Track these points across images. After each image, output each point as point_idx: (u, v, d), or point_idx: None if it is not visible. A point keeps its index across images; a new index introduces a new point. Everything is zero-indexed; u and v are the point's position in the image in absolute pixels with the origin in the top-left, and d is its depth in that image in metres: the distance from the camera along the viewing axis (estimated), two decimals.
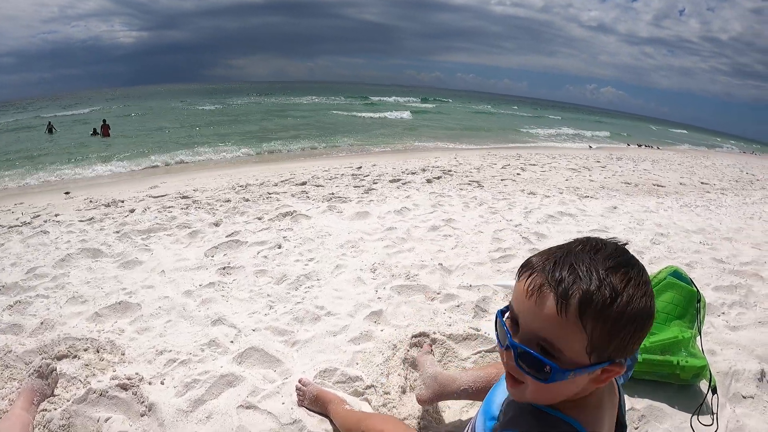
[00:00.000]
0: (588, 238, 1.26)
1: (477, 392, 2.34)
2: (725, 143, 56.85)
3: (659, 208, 7.88)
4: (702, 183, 12.18)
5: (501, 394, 1.48)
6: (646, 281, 1.19)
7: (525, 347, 1.17)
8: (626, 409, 2.63)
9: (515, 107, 77.68)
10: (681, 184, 11.53)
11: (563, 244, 1.25)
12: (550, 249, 1.25)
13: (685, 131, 75.24)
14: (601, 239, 1.26)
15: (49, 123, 27.02)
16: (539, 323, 1.15)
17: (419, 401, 2.51)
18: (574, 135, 34.42)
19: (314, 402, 2.54)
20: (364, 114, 37.87)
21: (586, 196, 8.38)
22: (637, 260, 1.24)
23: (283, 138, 21.36)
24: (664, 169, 14.34)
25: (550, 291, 1.13)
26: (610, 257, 1.18)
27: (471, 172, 10.51)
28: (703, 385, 2.83)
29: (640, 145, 30.88)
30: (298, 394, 2.61)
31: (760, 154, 40.84)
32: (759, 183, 13.91)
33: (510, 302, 1.25)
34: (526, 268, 1.22)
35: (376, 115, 37.08)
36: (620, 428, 1.48)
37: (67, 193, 9.62)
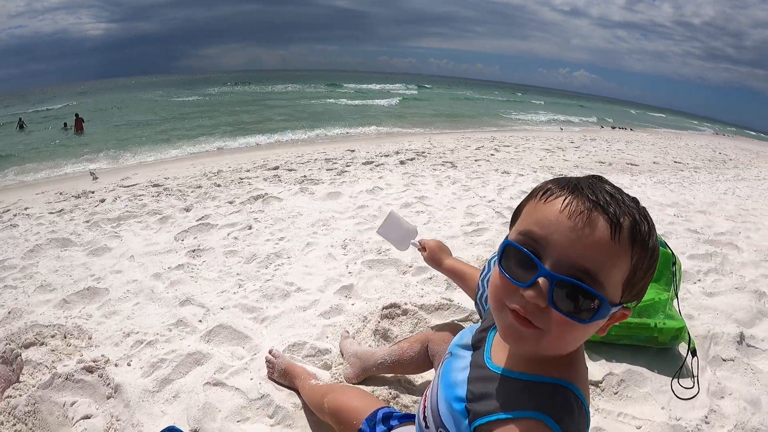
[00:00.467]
0: (591, 174, 1.19)
1: (392, 365, 2.48)
2: (701, 126, 57.36)
3: (633, 184, 7.97)
4: (675, 162, 12.36)
5: (457, 371, 1.34)
6: None
7: (569, 278, 1.01)
8: (605, 374, 2.65)
9: (496, 92, 77.01)
10: (655, 163, 11.69)
11: (573, 177, 1.15)
12: (564, 178, 1.14)
13: (662, 114, 75.80)
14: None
15: (20, 119, 26.60)
16: (582, 249, 1.01)
17: (346, 380, 2.58)
18: (565, 121, 34.36)
19: (283, 375, 2.53)
20: (343, 101, 37.60)
21: (560, 175, 8.43)
22: None
23: (256, 127, 21.21)
24: (637, 150, 14.53)
25: (599, 214, 1.02)
26: (623, 192, 1.12)
27: (445, 154, 10.56)
28: (683, 348, 2.83)
29: (614, 127, 31.08)
30: (267, 366, 2.59)
31: (732, 135, 41.31)
32: (732, 162, 14.17)
33: (525, 230, 1.09)
34: (549, 191, 1.10)
35: (356, 102, 36.63)
36: None
37: (94, 177, 9.60)
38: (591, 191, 1.06)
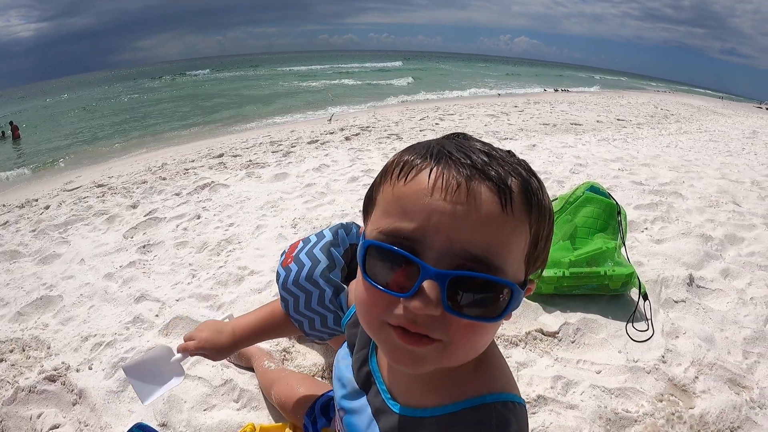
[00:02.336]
0: (452, 132, 0.99)
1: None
2: (641, 84, 58.01)
3: (577, 143, 8.13)
4: (618, 120, 12.61)
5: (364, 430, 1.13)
6: None
7: (464, 272, 0.80)
8: (558, 323, 2.75)
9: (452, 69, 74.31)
10: (598, 121, 11.90)
11: (431, 140, 0.94)
12: (422, 143, 0.92)
13: (596, 76, 76.29)
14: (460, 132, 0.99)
15: None
16: (470, 233, 0.80)
17: None
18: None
19: (239, 357, 2.57)
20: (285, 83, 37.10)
21: (505, 138, 8.56)
22: None
23: (197, 118, 20.96)
24: (581, 110, 14.78)
25: (480, 182, 0.81)
26: (496, 147, 0.92)
27: (389, 127, 10.61)
28: (635, 294, 2.94)
29: (556, 90, 31.31)
30: None
31: (673, 92, 41.99)
32: (674, 117, 14.48)
33: (389, 226, 0.85)
34: (408, 166, 0.87)
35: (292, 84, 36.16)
36: None
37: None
38: (462, 154, 0.85)
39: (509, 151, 0.92)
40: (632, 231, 3.99)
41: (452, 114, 12.75)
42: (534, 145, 7.67)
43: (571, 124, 11.16)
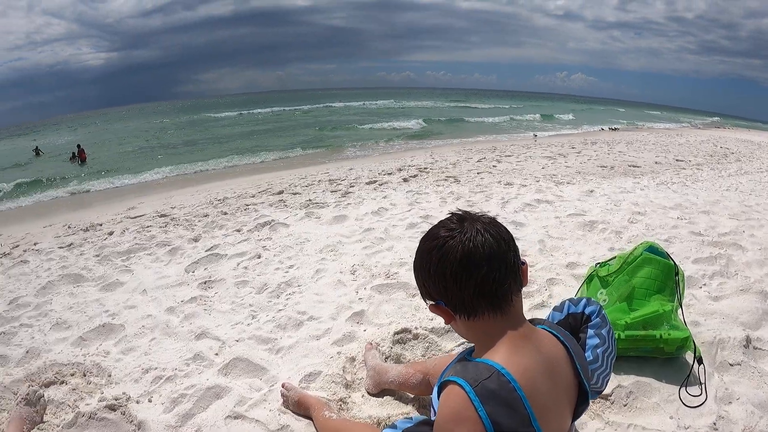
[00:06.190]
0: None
1: (401, 384, 2.60)
2: (698, 119, 57.05)
3: (636, 188, 7.96)
4: (677, 160, 12.31)
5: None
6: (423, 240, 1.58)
7: None
8: (611, 386, 2.68)
9: (516, 106, 73.34)
10: (656, 163, 11.66)
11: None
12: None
13: (658, 112, 75.15)
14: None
15: (36, 147, 28.57)
16: None
17: (366, 391, 2.74)
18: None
19: (297, 406, 2.58)
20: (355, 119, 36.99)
21: (562, 182, 8.44)
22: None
23: (257, 148, 21.33)
24: (638, 150, 14.47)
25: None
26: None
27: (447, 168, 10.58)
28: (689, 356, 2.86)
29: (612, 128, 30.96)
30: (283, 399, 2.65)
31: (732, 128, 41.17)
32: (734, 156, 14.08)
33: None
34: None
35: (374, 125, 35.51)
36: (583, 395, 1.63)
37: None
38: None
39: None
40: (690, 287, 3.88)
41: (509, 155, 12.66)
42: (592, 191, 7.56)
43: (629, 166, 10.97)
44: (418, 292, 1.60)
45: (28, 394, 2.68)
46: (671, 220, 5.75)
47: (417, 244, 1.57)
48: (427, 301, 1.57)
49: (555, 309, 2.01)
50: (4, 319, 4.09)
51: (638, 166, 10.93)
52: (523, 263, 1.54)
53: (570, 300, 2.02)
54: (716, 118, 65.02)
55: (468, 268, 1.42)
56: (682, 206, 6.47)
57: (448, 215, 1.59)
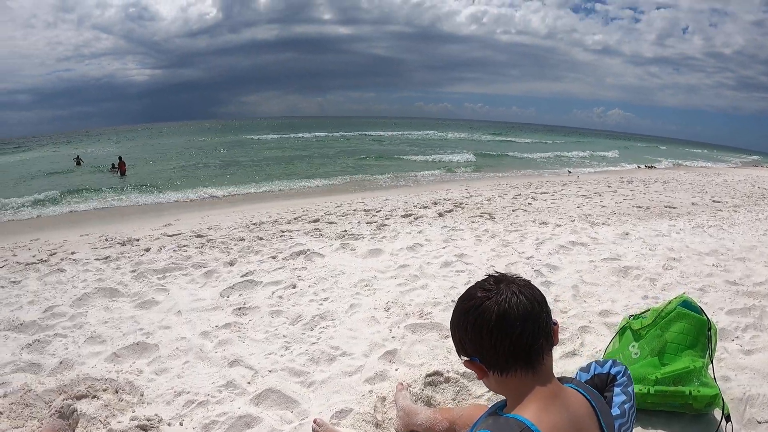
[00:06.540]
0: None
1: (429, 429, 2.66)
2: (738, 157, 55.95)
3: (671, 231, 7.82)
4: (714, 201, 12.08)
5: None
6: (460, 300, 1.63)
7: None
8: None
9: (559, 141, 72.03)
10: (693, 204, 11.44)
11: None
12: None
13: (700, 150, 73.86)
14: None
15: (77, 156, 29.32)
16: None
17: (395, 431, 2.78)
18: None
19: None
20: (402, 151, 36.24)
21: (597, 223, 8.35)
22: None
23: (297, 174, 21.47)
24: (675, 190, 14.23)
25: None
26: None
27: (482, 204, 10.52)
28: (717, 413, 2.83)
29: (649, 166, 30.49)
30: None
31: None
32: None
33: None
34: None
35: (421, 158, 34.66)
36: None
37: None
38: None
39: None
40: (722, 340, 3.79)
41: (545, 193, 12.53)
42: (627, 234, 7.45)
43: (665, 207, 10.75)
44: (450, 333, 1.66)
45: (62, 407, 2.70)
46: (706, 268, 5.66)
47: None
48: (462, 357, 1.63)
49: (581, 369, 2.09)
50: (39, 326, 4.15)
51: (674, 207, 10.75)
52: (555, 323, 1.61)
53: (596, 361, 2.10)
54: (756, 156, 63.77)
55: (503, 327, 1.49)
56: (718, 252, 6.37)
57: (485, 276, 1.64)
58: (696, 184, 16.49)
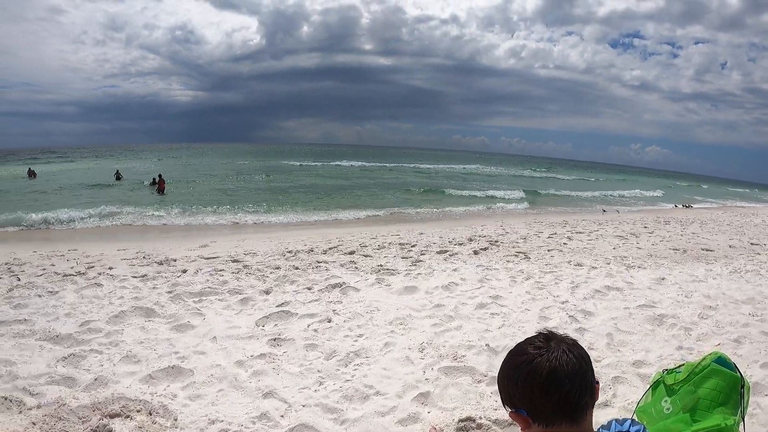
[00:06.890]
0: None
1: None
2: None
3: (708, 276, 7.67)
4: (752, 244, 11.78)
5: None
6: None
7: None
8: None
9: (602, 179, 70.22)
10: (730, 246, 11.18)
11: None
12: None
13: (740, 189, 71.94)
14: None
15: (117, 171, 29.82)
16: None
17: None
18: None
19: None
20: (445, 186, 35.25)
21: (633, 266, 8.22)
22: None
23: (333, 202, 21.54)
24: (712, 231, 13.92)
25: None
26: None
27: (518, 242, 10.43)
28: None
29: (686, 206, 29.98)
30: None
31: None
32: None
33: None
34: None
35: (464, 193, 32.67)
36: None
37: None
38: None
39: None
40: (756, 395, 3.70)
41: (581, 232, 12.37)
42: (663, 279, 7.32)
43: (702, 249, 10.52)
44: (498, 384, 1.71)
45: (97, 427, 2.72)
46: (742, 317, 5.54)
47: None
48: (508, 408, 1.64)
49: (603, 427, 2.09)
50: (75, 340, 4.20)
51: (711, 250, 10.51)
52: (597, 382, 1.67)
53: (616, 420, 2.11)
54: None
55: (554, 383, 1.54)
56: (755, 300, 6.23)
57: (536, 333, 1.71)
58: (734, 225, 16.15)
